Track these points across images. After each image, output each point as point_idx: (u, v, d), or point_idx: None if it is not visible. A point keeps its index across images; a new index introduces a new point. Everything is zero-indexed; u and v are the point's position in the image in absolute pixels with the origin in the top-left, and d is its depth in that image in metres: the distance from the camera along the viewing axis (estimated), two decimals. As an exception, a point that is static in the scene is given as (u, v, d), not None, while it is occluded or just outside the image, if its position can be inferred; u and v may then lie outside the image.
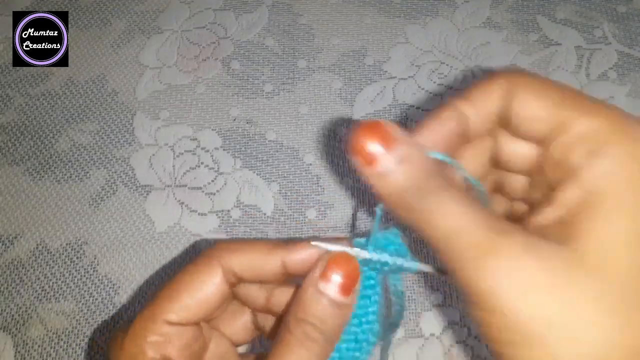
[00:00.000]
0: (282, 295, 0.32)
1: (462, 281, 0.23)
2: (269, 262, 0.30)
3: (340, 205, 0.52)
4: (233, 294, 0.32)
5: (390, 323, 0.31)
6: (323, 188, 0.53)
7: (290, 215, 0.52)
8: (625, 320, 0.21)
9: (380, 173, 0.25)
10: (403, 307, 0.31)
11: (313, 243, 0.29)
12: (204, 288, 0.29)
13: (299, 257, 0.29)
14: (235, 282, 0.30)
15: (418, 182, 0.25)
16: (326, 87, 0.57)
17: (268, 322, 0.34)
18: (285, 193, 0.53)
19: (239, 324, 0.34)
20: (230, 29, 0.61)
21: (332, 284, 0.28)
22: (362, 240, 0.30)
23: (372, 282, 0.29)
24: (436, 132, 0.28)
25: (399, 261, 0.29)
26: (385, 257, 0.29)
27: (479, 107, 0.28)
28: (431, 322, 0.46)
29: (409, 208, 0.25)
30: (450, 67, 0.57)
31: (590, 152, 0.23)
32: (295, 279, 0.30)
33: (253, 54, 0.60)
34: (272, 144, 0.55)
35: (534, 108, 0.26)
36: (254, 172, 0.53)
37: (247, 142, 0.55)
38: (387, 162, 0.25)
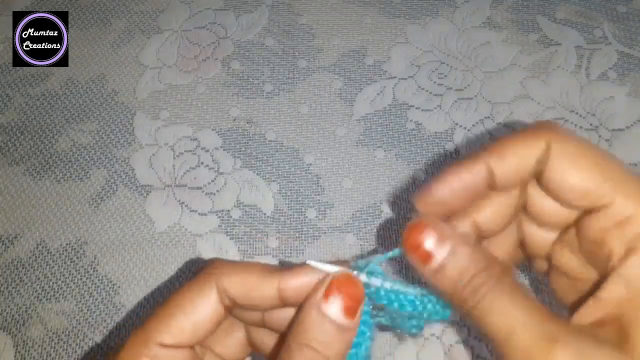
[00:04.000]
0: (279, 311, 0.30)
1: None
2: (265, 286, 0.28)
3: (340, 205, 0.52)
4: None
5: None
6: (323, 188, 0.53)
7: (290, 215, 0.52)
8: None
9: (435, 269, 0.26)
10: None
11: (310, 263, 0.28)
12: (200, 309, 0.28)
13: (296, 282, 0.28)
14: (229, 305, 0.29)
15: (470, 274, 0.25)
16: (326, 87, 0.57)
17: (263, 337, 0.32)
18: (285, 193, 0.53)
19: (233, 342, 0.32)
20: (230, 29, 0.61)
21: (336, 306, 0.26)
22: (362, 262, 0.28)
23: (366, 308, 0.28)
24: (458, 184, 0.28)
25: (396, 286, 0.28)
26: (385, 282, 0.28)
27: (509, 164, 0.27)
28: (431, 322, 0.46)
29: (466, 303, 0.25)
30: (450, 67, 0.57)
31: (630, 246, 0.24)
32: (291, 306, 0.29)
33: (253, 54, 0.60)
34: (272, 144, 0.55)
35: (570, 177, 0.26)
36: (254, 172, 0.53)
37: (247, 142, 0.55)
38: (440, 257, 0.26)
